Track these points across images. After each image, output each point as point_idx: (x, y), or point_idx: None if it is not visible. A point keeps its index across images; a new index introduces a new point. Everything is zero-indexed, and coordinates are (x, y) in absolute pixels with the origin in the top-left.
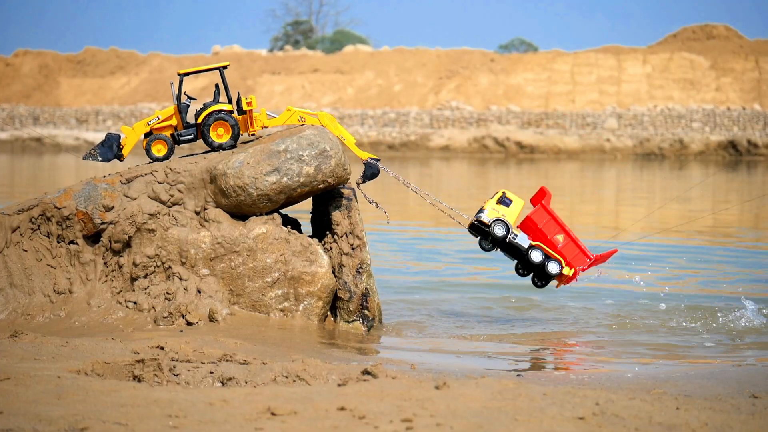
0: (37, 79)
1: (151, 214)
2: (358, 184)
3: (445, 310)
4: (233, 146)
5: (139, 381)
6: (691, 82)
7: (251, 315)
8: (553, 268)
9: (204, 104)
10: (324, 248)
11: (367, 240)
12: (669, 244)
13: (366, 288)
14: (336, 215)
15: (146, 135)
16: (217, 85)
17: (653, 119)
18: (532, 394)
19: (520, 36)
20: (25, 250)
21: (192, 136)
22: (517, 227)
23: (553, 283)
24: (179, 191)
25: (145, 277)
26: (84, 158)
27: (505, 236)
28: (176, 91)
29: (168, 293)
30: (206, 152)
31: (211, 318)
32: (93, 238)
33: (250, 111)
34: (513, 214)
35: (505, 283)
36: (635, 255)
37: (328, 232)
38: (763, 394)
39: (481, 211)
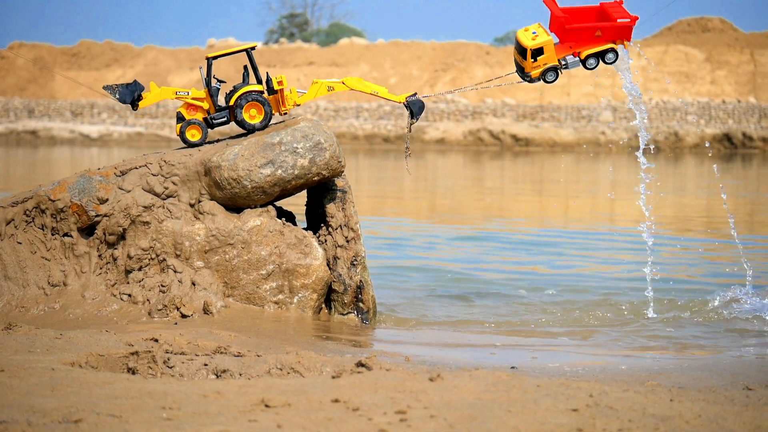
0: (32, 72)
1: (145, 207)
2: (412, 125)
3: (440, 303)
4: (266, 126)
5: (134, 373)
6: (686, 74)
7: (246, 307)
8: (609, 58)
9: (234, 86)
10: (318, 241)
11: (361, 232)
12: (663, 236)
13: (361, 280)
14: (330, 208)
15: (179, 119)
16: (245, 67)
17: (648, 112)
18: (525, 386)
19: (515, 29)
20: (20, 243)
21: (225, 119)
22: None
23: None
24: (174, 183)
25: (140, 269)
26: (104, 88)
27: (558, 76)
28: (206, 75)
29: (162, 286)
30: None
31: (206, 310)
32: (87, 230)
33: (281, 90)
34: (551, 54)
35: (503, 276)
36: (626, 246)
37: (322, 225)
38: (756, 386)
39: (525, 74)
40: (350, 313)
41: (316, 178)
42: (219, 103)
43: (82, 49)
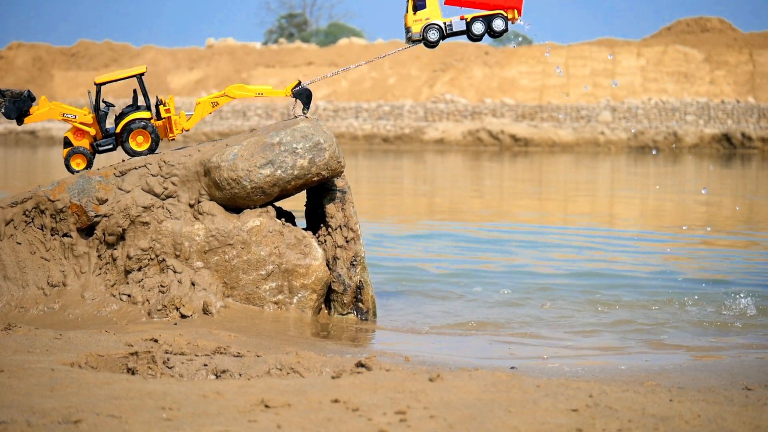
0: (30, 72)
1: (145, 207)
2: (305, 114)
3: (440, 303)
4: (153, 152)
5: (133, 373)
6: (685, 75)
7: (245, 308)
8: (498, 25)
9: (122, 111)
10: (318, 241)
11: (361, 233)
12: (662, 233)
13: (360, 280)
14: (330, 208)
15: (66, 144)
16: (135, 91)
17: (647, 112)
18: (525, 386)
19: (514, 29)
20: (19, 243)
21: (111, 146)
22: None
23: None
24: (173, 184)
25: (139, 269)
26: None
27: (441, 38)
28: (94, 101)
29: (162, 286)
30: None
31: (205, 311)
32: (87, 230)
33: (169, 115)
34: (434, 9)
35: (501, 275)
36: (625, 243)
37: (322, 225)
38: (756, 386)
39: (408, 31)
40: (350, 313)
41: (315, 179)
42: (107, 128)
43: (80, 49)
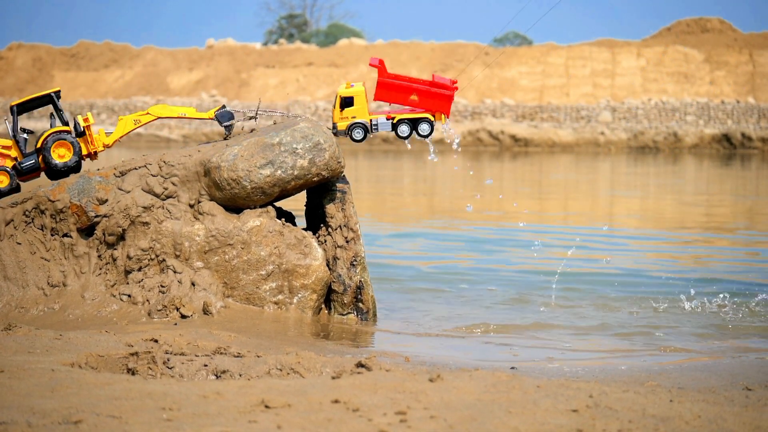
0: (30, 73)
1: (145, 207)
2: (226, 137)
3: (440, 303)
4: (78, 164)
5: (133, 374)
6: (685, 75)
7: (245, 308)
8: (424, 130)
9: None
10: (318, 241)
11: (361, 233)
12: (661, 233)
13: (360, 281)
14: (330, 208)
15: None
16: (51, 113)
17: (647, 112)
18: (525, 386)
19: (514, 29)
20: (19, 243)
21: (34, 162)
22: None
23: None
24: (173, 184)
25: (139, 270)
26: None
27: (365, 137)
28: (11, 124)
29: (162, 286)
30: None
31: (206, 311)
32: (87, 231)
33: (88, 128)
34: (361, 108)
35: (501, 276)
36: (625, 244)
37: (322, 225)
38: (756, 387)
39: (334, 126)
40: (350, 313)
41: (315, 179)
42: (27, 151)
43: (80, 49)
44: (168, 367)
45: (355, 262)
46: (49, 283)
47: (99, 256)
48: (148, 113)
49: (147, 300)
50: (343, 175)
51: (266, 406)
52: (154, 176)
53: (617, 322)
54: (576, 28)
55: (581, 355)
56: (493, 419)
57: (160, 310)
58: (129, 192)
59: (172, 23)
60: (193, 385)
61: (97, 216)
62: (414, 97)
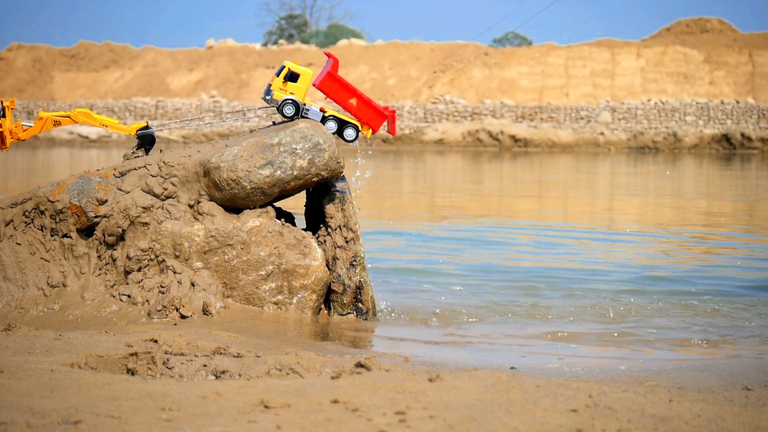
0: (30, 73)
1: (144, 208)
2: (136, 156)
3: (440, 303)
4: None
5: (133, 374)
6: (684, 75)
7: (245, 308)
8: (349, 134)
9: None
10: (318, 241)
11: (360, 233)
12: (660, 232)
13: (360, 281)
14: (330, 208)
15: None
16: None
17: (647, 113)
18: (525, 386)
19: (513, 30)
20: (19, 244)
21: None
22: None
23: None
24: (173, 184)
25: (139, 270)
26: None
27: (295, 114)
28: None
29: (162, 286)
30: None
31: (205, 311)
32: (86, 231)
33: (8, 109)
34: (302, 88)
35: (503, 275)
36: (623, 243)
37: (321, 225)
38: (756, 386)
39: (269, 91)
40: (349, 313)
41: (315, 179)
42: None
43: (80, 50)
44: (167, 368)
45: (354, 262)
46: (48, 284)
47: (99, 257)
48: (69, 117)
49: (147, 300)
50: (343, 176)
51: (266, 406)
52: (153, 177)
53: (616, 321)
54: (575, 28)
55: (581, 354)
56: (492, 419)
57: (159, 311)
58: (129, 192)
59: (172, 24)
60: (193, 386)
61: (96, 216)
62: (353, 101)
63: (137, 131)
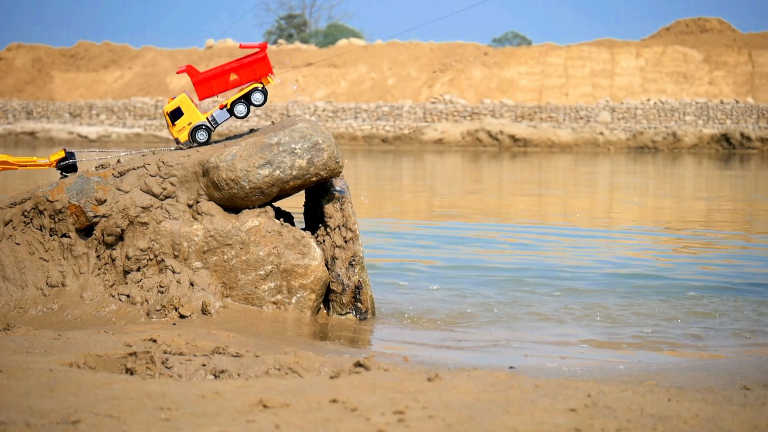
0: (30, 73)
1: (143, 207)
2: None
3: (440, 303)
4: None
5: (132, 374)
6: (684, 75)
7: (244, 308)
8: (258, 99)
9: None
10: (317, 241)
11: (359, 233)
12: (658, 232)
13: (359, 280)
14: (329, 208)
15: None
16: None
17: (646, 112)
18: (524, 386)
19: (513, 29)
20: (18, 244)
21: None
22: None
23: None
24: (172, 184)
25: (138, 270)
26: None
27: (209, 136)
28: None
29: (161, 286)
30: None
31: (204, 311)
32: (86, 231)
33: None
34: (192, 112)
35: (502, 274)
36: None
37: (320, 225)
38: (754, 386)
39: (177, 141)
40: (349, 313)
41: (314, 179)
42: None
43: (80, 50)
44: (166, 367)
45: (353, 262)
46: (47, 284)
47: (98, 257)
48: None
49: (146, 300)
50: (342, 175)
51: (264, 406)
52: (152, 176)
53: (615, 321)
54: (575, 28)
55: (580, 354)
56: (491, 419)
57: (158, 310)
58: (127, 192)
59: (172, 24)
60: (192, 385)
61: (95, 216)
62: (235, 77)
63: (57, 163)
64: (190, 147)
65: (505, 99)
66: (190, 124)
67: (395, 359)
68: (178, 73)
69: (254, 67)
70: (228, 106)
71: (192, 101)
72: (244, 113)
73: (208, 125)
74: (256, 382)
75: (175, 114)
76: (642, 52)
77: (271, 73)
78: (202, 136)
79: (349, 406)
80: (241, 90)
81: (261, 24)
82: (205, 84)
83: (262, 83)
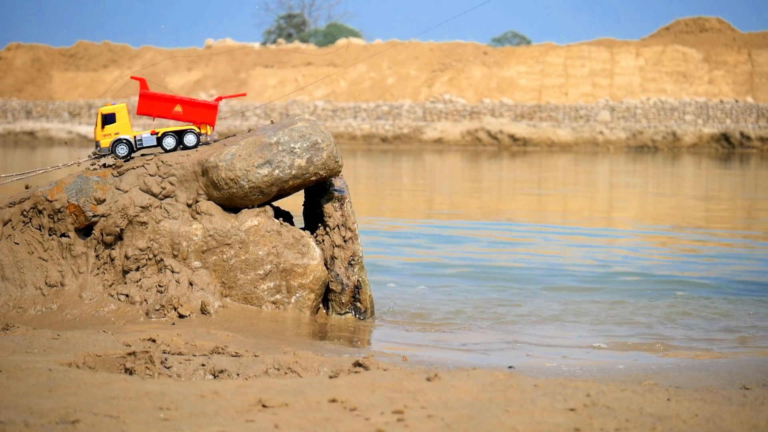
0: (29, 73)
1: (143, 207)
2: None
3: (438, 302)
4: None
5: (131, 374)
6: (683, 74)
7: (243, 307)
8: (189, 140)
9: None
10: (316, 240)
11: (359, 232)
12: (657, 232)
13: (358, 280)
14: (328, 208)
15: None
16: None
17: (646, 112)
18: (523, 385)
19: (513, 29)
20: (17, 243)
21: None
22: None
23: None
24: (171, 184)
25: (137, 269)
26: None
27: (129, 153)
28: None
29: (160, 286)
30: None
31: (203, 310)
32: (85, 230)
33: None
34: (124, 123)
35: (502, 274)
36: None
37: (320, 225)
38: (753, 385)
39: (96, 144)
40: (348, 312)
41: (313, 178)
42: None
43: (79, 50)
44: (165, 367)
45: (353, 262)
46: (47, 283)
47: (97, 256)
48: None
49: (145, 300)
50: (341, 175)
51: (264, 406)
52: (151, 176)
53: (614, 321)
54: (574, 27)
55: (579, 354)
56: (490, 418)
57: (158, 310)
58: (127, 192)
59: (171, 23)
60: (191, 385)
61: (95, 216)
62: (178, 109)
63: None
64: (105, 156)
65: (504, 98)
66: (117, 134)
67: (394, 359)
68: (132, 78)
69: (202, 111)
70: (159, 135)
71: (128, 114)
72: (172, 147)
73: (133, 144)
74: (255, 382)
75: (109, 118)
76: (642, 52)
77: (212, 125)
78: (122, 150)
79: (348, 405)
80: (180, 125)
81: (260, 23)
82: (149, 101)
83: (199, 128)
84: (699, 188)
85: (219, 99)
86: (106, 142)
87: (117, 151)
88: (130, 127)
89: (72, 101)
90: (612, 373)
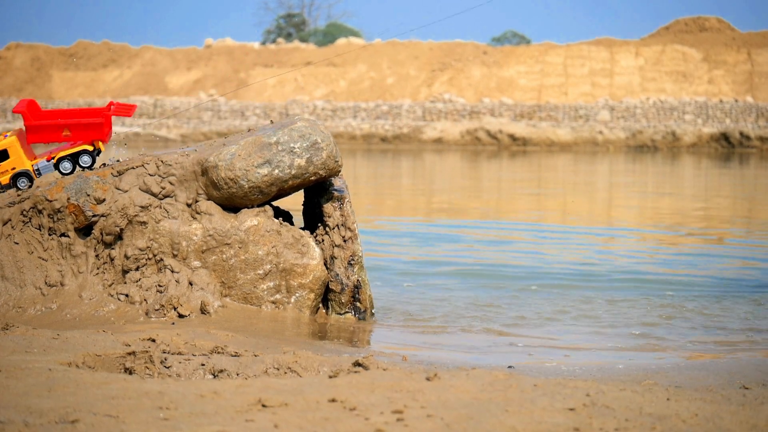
0: (29, 72)
1: (142, 207)
2: None
3: (438, 302)
4: None
5: (130, 373)
6: (683, 74)
7: (243, 307)
8: (85, 161)
9: None
10: (316, 240)
11: (358, 232)
12: (657, 231)
13: (358, 280)
14: (327, 207)
15: None
16: None
17: (646, 111)
18: (522, 385)
19: (512, 28)
20: (17, 243)
21: None
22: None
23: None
24: (171, 183)
25: (137, 269)
26: None
27: (31, 185)
28: None
29: (160, 285)
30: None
31: (203, 310)
32: (84, 230)
33: None
34: (17, 157)
35: (502, 273)
36: (622, 243)
37: (319, 225)
38: (753, 385)
39: None
40: (347, 312)
41: (313, 178)
42: None
43: (79, 49)
44: (165, 367)
45: (352, 261)
46: (46, 283)
47: (96, 256)
48: None
49: (144, 299)
50: (341, 174)
51: (263, 405)
52: (151, 176)
53: (614, 320)
54: (574, 27)
55: (579, 353)
56: (490, 418)
57: (157, 310)
58: (126, 191)
59: (171, 23)
60: (191, 385)
61: (94, 215)
62: (67, 133)
63: None
64: (5, 190)
65: (504, 98)
66: (14, 168)
67: (394, 359)
68: (13, 112)
69: (91, 130)
70: (55, 161)
71: (19, 145)
72: (69, 170)
73: (32, 174)
74: (254, 382)
75: (2, 155)
76: (641, 51)
77: (105, 140)
78: (23, 183)
79: (347, 405)
80: (73, 146)
81: (260, 23)
82: (36, 132)
83: (94, 145)
84: (698, 188)
85: (111, 104)
86: (5, 180)
87: (19, 185)
88: (24, 159)
89: (71, 101)
90: (611, 372)
